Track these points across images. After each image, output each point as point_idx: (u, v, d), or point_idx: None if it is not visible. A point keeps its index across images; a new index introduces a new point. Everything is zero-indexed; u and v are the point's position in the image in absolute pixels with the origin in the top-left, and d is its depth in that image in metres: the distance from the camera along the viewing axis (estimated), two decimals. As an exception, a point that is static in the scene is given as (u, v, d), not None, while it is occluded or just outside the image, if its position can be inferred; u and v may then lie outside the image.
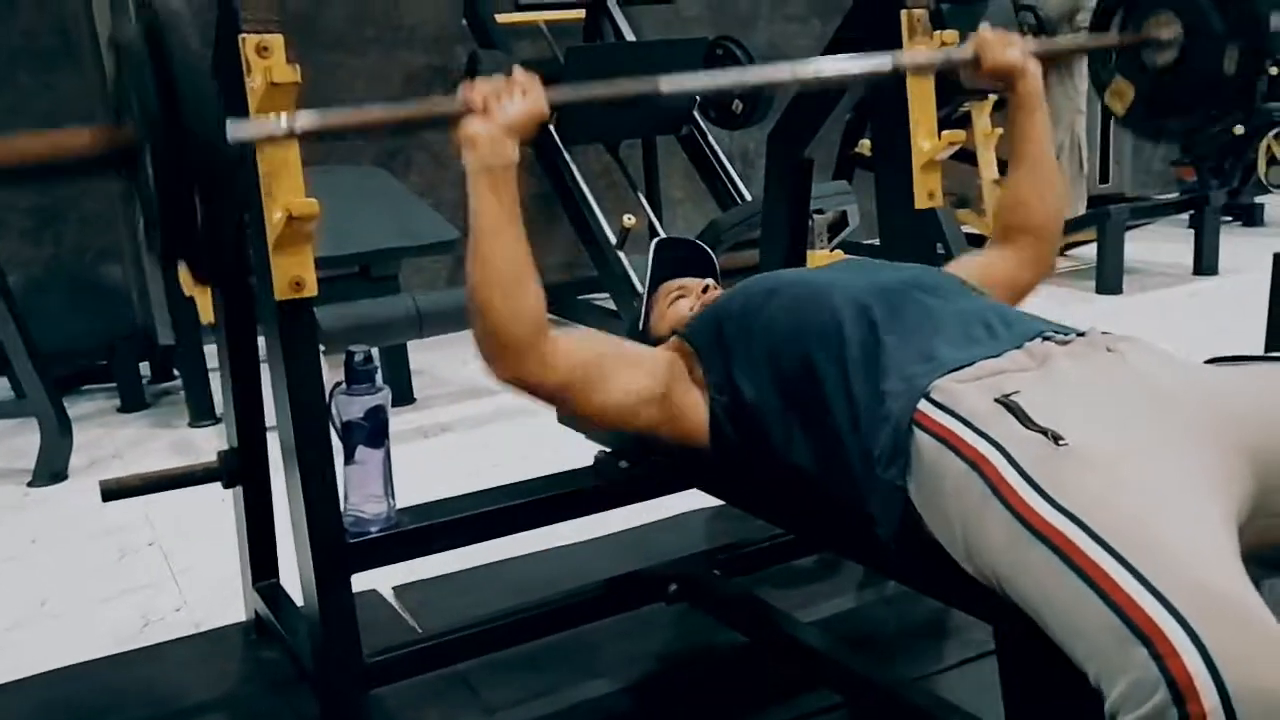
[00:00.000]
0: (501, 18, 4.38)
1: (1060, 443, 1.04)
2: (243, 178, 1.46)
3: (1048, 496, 1.01)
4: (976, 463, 1.08)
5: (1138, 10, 1.73)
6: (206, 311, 3.01)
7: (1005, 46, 1.62)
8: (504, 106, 1.34)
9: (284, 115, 1.27)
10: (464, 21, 4.44)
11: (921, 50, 1.74)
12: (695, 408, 1.49)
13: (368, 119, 1.32)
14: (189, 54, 1.01)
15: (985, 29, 1.65)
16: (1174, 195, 5.61)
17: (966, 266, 1.67)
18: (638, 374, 1.48)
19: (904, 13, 1.91)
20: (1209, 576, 0.91)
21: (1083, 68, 5.13)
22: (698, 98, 4.33)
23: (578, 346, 1.45)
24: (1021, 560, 1.01)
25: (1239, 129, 5.30)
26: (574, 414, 1.52)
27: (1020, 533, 1.01)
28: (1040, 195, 1.67)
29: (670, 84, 1.45)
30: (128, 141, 1.04)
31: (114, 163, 1.06)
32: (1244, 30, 1.63)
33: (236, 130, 1.18)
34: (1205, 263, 4.86)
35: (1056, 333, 1.28)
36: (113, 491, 1.85)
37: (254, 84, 1.46)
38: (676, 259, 1.83)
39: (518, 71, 1.38)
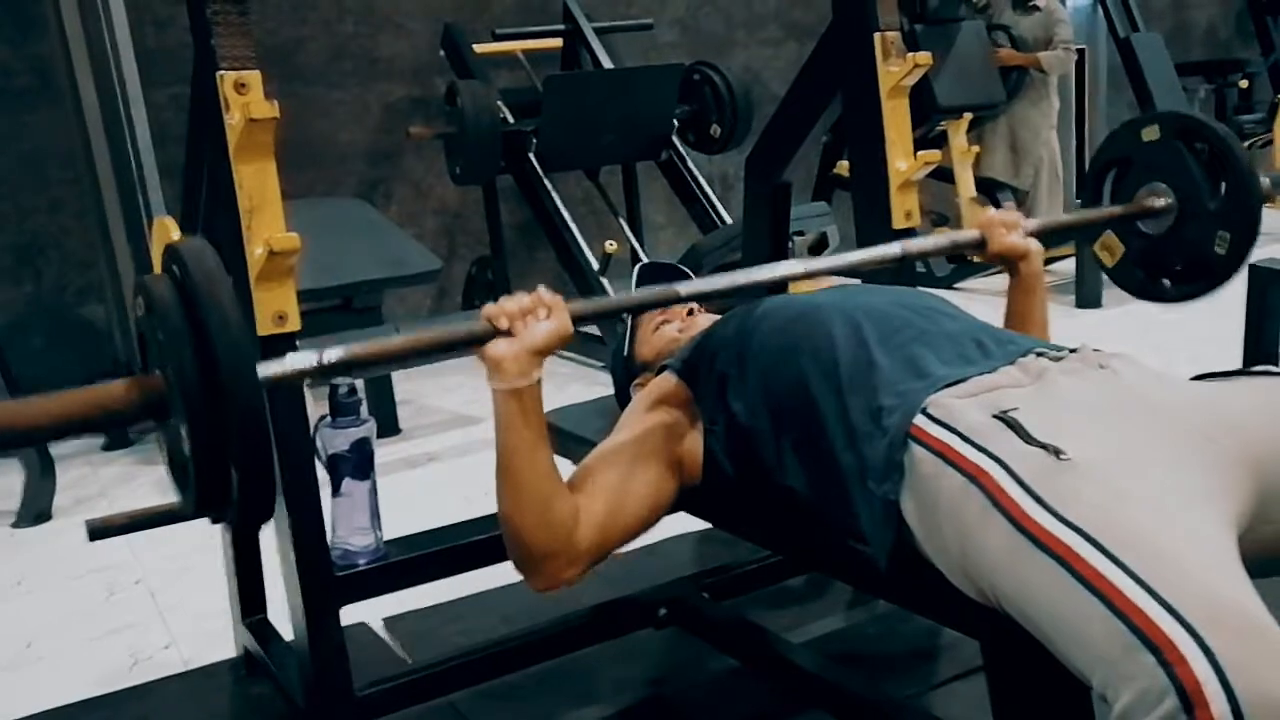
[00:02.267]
0: (479, 48, 4.41)
1: (1062, 457, 1.04)
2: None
3: (1050, 508, 1.01)
4: (976, 476, 1.09)
5: (1130, 176, 1.75)
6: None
7: (1009, 230, 1.64)
8: (530, 328, 1.30)
9: (313, 352, 1.24)
10: (441, 52, 4.47)
11: (930, 238, 1.76)
12: (691, 452, 1.48)
13: (394, 348, 1.30)
14: (224, 315, 1.00)
15: (992, 213, 1.68)
16: (1151, 208, 5.66)
17: None
18: (650, 476, 1.45)
19: (877, 35, 1.94)
20: (1215, 584, 0.91)
21: (1053, 87, 5.20)
22: (676, 121, 4.37)
23: (589, 503, 1.40)
24: (1023, 571, 1.01)
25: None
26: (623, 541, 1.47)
27: (1022, 544, 1.01)
28: None
29: (689, 289, 1.45)
30: (160, 392, 1.04)
31: (148, 415, 1.06)
32: (1235, 218, 1.65)
33: (267, 370, 1.18)
34: (1183, 274, 4.89)
35: (1049, 350, 1.29)
36: (99, 530, 1.83)
37: (232, 120, 1.46)
38: (660, 283, 1.83)
39: (542, 291, 1.34)
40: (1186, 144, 1.67)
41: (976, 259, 1.71)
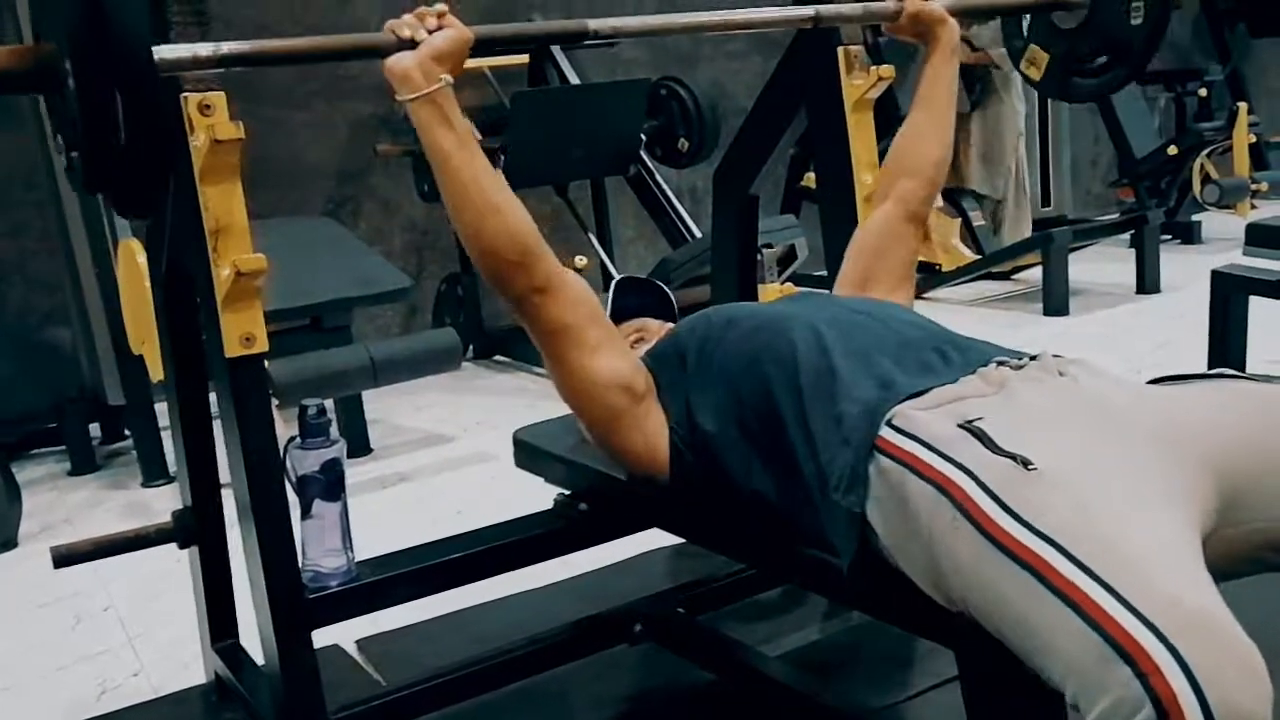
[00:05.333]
0: (445, 65, 4.40)
1: (1030, 467, 1.05)
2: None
3: (1019, 518, 1.01)
4: (944, 486, 1.09)
5: None
6: (156, 369, 2.97)
7: None
8: (431, 37, 1.35)
9: (212, 42, 1.29)
10: (408, 70, 4.46)
11: (845, 5, 1.78)
12: (657, 429, 1.49)
13: (295, 47, 1.32)
14: None
15: None
16: (1114, 216, 5.73)
17: (862, 242, 1.77)
18: (627, 361, 1.50)
19: (841, 49, 1.95)
20: (1186, 594, 0.92)
21: (1016, 92, 5.25)
22: (644, 136, 4.38)
23: (585, 294, 1.47)
24: (994, 582, 1.02)
25: (1173, 149, 5.44)
26: (554, 364, 1.49)
27: (992, 554, 1.02)
28: (939, 135, 1.79)
29: (599, 24, 1.55)
30: (50, 58, 1.02)
31: (35, 81, 1.04)
32: None
33: (163, 54, 1.18)
34: (1148, 281, 4.95)
35: (1010, 358, 1.30)
36: (65, 557, 1.82)
37: (197, 142, 1.45)
38: (636, 299, 1.84)
39: (438, 4, 1.40)
40: None
41: (889, 30, 1.74)
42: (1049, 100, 5.60)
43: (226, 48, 1.28)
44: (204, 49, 1.28)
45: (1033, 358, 1.29)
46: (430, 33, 1.37)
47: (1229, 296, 2.47)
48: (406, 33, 1.35)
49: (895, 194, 1.77)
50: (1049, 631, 0.96)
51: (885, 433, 1.19)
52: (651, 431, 1.49)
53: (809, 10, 1.66)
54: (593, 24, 1.51)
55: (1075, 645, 0.92)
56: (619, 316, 1.81)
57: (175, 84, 1.46)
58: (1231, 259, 2.62)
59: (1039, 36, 1.79)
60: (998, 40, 5.07)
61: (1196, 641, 0.87)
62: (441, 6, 1.39)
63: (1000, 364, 1.27)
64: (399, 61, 1.35)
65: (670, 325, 1.76)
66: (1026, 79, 1.88)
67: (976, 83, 5.13)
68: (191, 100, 1.44)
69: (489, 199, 1.38)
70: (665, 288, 1.90)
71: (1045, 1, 1.77)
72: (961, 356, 1.32)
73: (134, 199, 1.12)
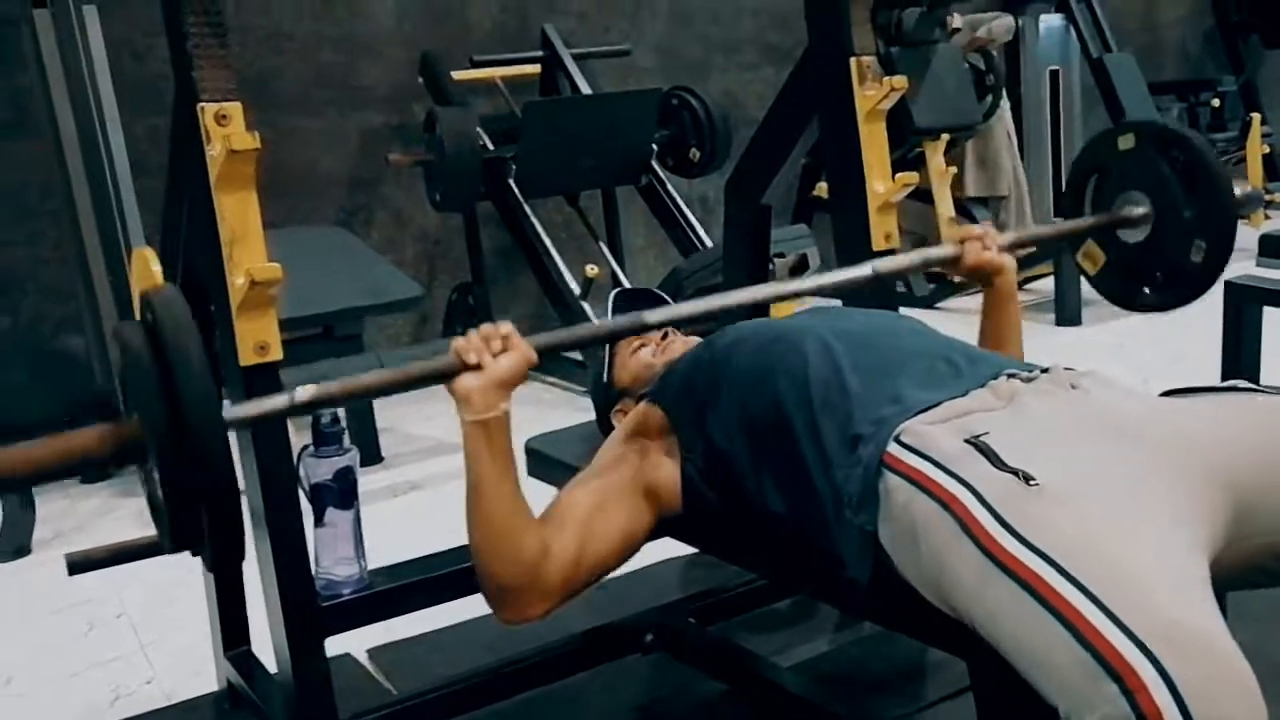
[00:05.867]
0: (458, 75, 4.42)
1: (1031, 483, 1.05)
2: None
3: (1017, 534, 1.02)
4: (947, 503, 1.09)
5: (1108, 184, 1.76)
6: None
7: (983, 245, 1.65)
8: (495, 361, 1.33)
9: (285, 395, 1.25)
10: (420, 80, 4.47)
11: (902, 256, 1.76)
12: (669, 475, 1.48)
13: (367, 385, 1.32)
14: (191, 360, 1.05)
15: (969, 227, 1.69)
16: (1127, 226, 5.70)
17: None
18: (623, 508, 1.46)
19: (853, 60, 1.95)
20: (1178, 612, 0.92)
21: (1007, 117, 5.26)
22: (655, 146, 4.39)
23: (569, 543, 1.41)
24: (992, 597, 1.02)
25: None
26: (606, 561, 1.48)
27: (991, 570, 1.02)
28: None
29: (658, 316, 1.46)
30: (134, 438, 1.08)
31: (122, 460, 1.11)
32: (1210, 226, 1.66)
33: (234, 413, 1.20)
34: (1160, 292, 4.92)
35: (1021, 370, 1.30)
36: (78, 564, 1.81)
37: (214, 152, 1.46)
38: (635, 309, 1.84)
39: (503, 324, 1.37)
40: (1161, 152, 1.68)
41: (951, 276, 1.72)
42: (1060, 113, 5.59)
43: (302, 394, 1.23)
44: (279, 401, 1.24)
45: (1044, 370, 1.29)
46: (495, 355, 1.34)
47: (1243, 307, 2.47)
48: (473, 359, 1.33)
49: None
50: (1043, 648, 0.96)
51: (893, 449, 1.19)
52: (665, 480, 1.48)
53: (867, 269, 1.60)
54: (649, 317, 1.46)
55: (1066, 661, 0.93)
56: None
57: (192, 95, 1.47)
58: (1245, 270, 2.61)
59: (1099, 235, 1.79)
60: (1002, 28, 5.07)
61: (1186, 660, 0.88)
62: (507, 327, 1.36)
63: (1011, 376, 1.27)
64: (463, 385, 1.33)
65: (669, 329, 1.76)
66: (1080, 270, 1.86)
67: (989, 91, 5.12)
68: (208, 110, 1.46)
69: (509, 530, 1.36)
70: (663, 295, 1.90)
71: (1108, 223, 1.75)
72: (972, 369, 1.32)
73: (223, 564, 1.22)
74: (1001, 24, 5.05)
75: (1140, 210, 1.71)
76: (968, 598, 1.06)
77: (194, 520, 1.08)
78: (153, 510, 1.15)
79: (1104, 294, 1.84)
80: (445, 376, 1.33)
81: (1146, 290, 1.77)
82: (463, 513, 1.36)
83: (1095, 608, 0.93)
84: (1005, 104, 5.29)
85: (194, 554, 1.16)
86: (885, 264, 1.64)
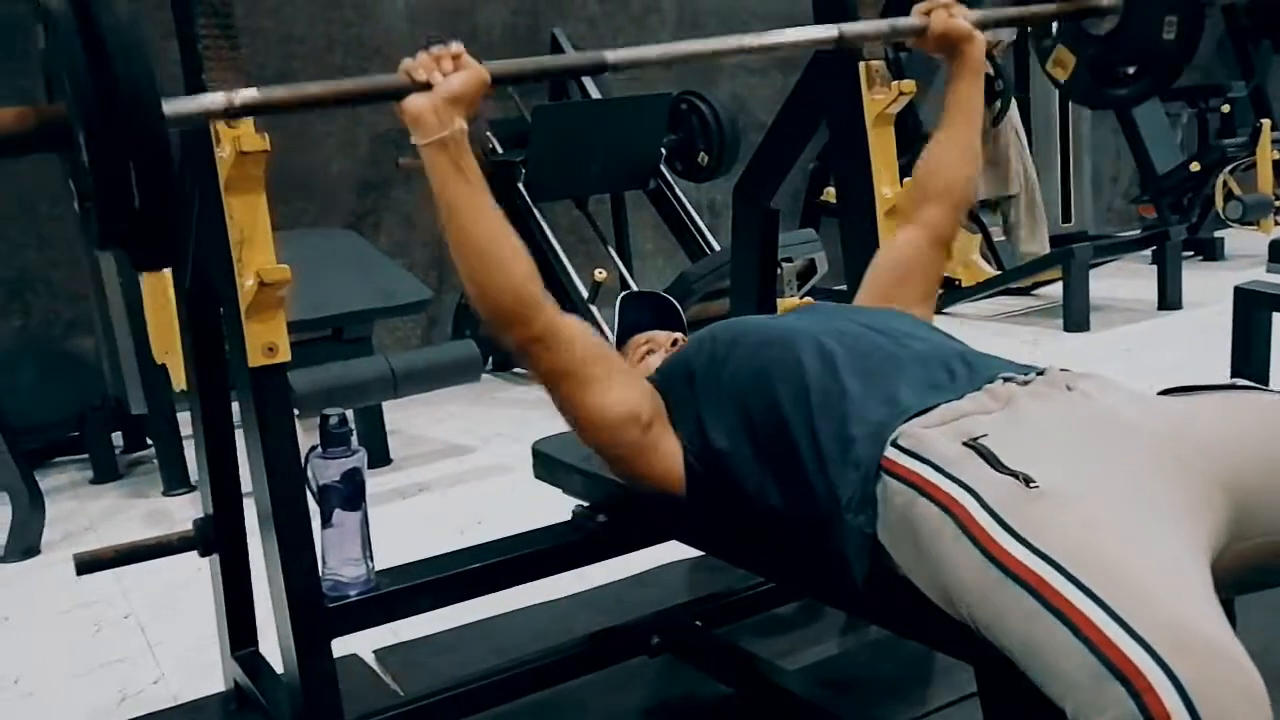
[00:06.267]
0: (467, 78, 4.42)
1: (1031, 485, 1.05)
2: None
3: (1019, 537, 1.01)
4: (948, 506, 1.09)
5: None
6: (179, 379, 3.00)
7: (949, 14, 1.68)
8: (447, 80, 1.35)
9: (223, 93, 1.25)
10: (430, 83, 4.49)
11: (869, 22, 1.76)
12: (671, 450, 1.49)
13: (309, 94, 1.31)
14: (120, 23, 0.97)
15: None
16: (1136, 232, 5.70)
17: (885, 264, 1.75)
18: (633, 390, 1.49)
19: (862, 64, 1.96)
20: (1183, 612, 0.92)
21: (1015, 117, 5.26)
22: (664, 150, 4.39)
23: (583, 335, 1.45)
24: (996, 601, 1.02)
25: (1195, 165, 5.42)
26: (563, 407, 1.49)
27: (993, 573, 1.02)
28: (967, 155, 1.77)
29: (616, 56, 1.51)
30: (60, 119, 1.02)
31: (48, 142, 1.03)
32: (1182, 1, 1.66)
33: (174, 108, 1.17)
34: (1169, 297, 4.92)
35: (1017, 373, 1.29)
36: (87, 565, 1.84)
37: (223, 154, 1.47)
38: (644, 313, 1.85)
39: (454, 44, 1.39)
40: None
41: (914, 45, 1.72)
42: (1069, 118, 5.59)
43: (240, 98, 1.24)
44: (217, 100, 1.24)
45: (1040, 373, 1.29)
46: (446, 75, 1.36)
47: (1252, 313, 2.45)
48: (421, 75, 1.34)
49: (921, 216, 1.73)
50: (1048, 650, 0.96)
51: (891, 453, 1.19)
52: (665, 453, 1.49)
53: (833, 30, 1.64)
54: (610, 56, 1.49)
55: (1072, 664, 0.92)
56: (627, 331, 1.81)
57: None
58: (1254, 276, 2.61)
59: (1068, 38, 1.76)
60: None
61: (1192, 661, 0.87)
62: (457, 47, 1.38)
63: (1007, 380, 1.26)
64: (413, 104, 1.34)
65: (679, 335, 1.76)
66: (1052, 80, 1.84)
67: (997, 96, 5.12)
68: (218, 112, 1.46)
69: (492, 248, 1.38)
70: (671, 298, 1.90)
71: (1076, 9, 1.73)
72: (968, 372, 1.31)
73: (147, 257, 1.14)
74: (1009, 29, 5.05)
75: (1109, 1, 1.71)
76: (971, 601, 1.05)
77: (122, 212, 1.00)
78: (82, 210, 1.07)
79: (1076, 98, 1.85)
80: (395, 94, 1.33)
81: (1119, 83, 1.76)
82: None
83: (1100, 610, 0.92)
84: (1025, 138, 5.29)
85: (120, 247, 1.09)
86: (852, 28, 1.67)
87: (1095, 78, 1.76)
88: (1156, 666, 0.87)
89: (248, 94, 1.24)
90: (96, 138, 0.97)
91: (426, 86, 1.34)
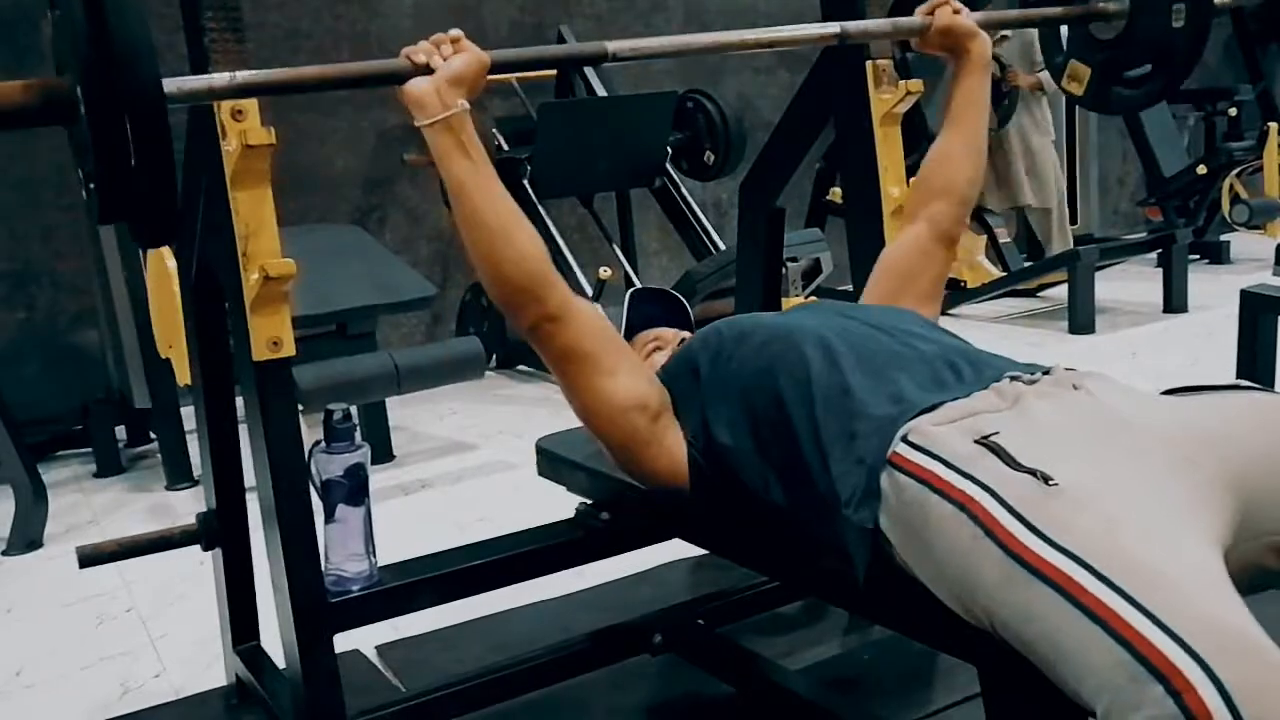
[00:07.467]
0: (474, 75, 4.43)
1: (1050, 483, 1.04)
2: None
3: (1044, 536, 1.00)
4: (964, 504, 1.08)
5: None
6: (183, 373, 3.00)
7: (953, 10, 1.68)
8: (448, 62, 1.36)
9: (224, 73, 1.27)
10: (436, 80, 4.48)
11: (872, 21, 1.76)
12: (676, 444, 1.49)
13: (310, 76, 1.32)
14: (125, 4, 0.99)
15: None
16: (1142, 235, 5.69)
17: (890, 263, 1.75)
18: (640, 378, 1.49)
19: (869, 63, 1.95)
20: (1216, 610, 0.91)
21: (1045, 101, 5.25)
22: (669, 149, 4.39)
23: (596, 318, 1.45)
24: (1020, 600, 1.01)
25: (1202, 169, 5.41)
26: (570, 390, 1.49)
27: (1018, 573, 1.01)
28: (972, 154, 1.76)
29: (617, 46, 1.52)
30: (63, 91, 1.03)
31: (51, 116, 1.05)
32: None
33: (176, 85, 1.18)
34: (1175, 300, 4.92)
35: (1023, 372, 1.29)
36: (89, 558, 1.84)
37: (229, 147, 1.47)
38: (652, 309, 1.84)
39: (453, 30, 1.40)
40: None
41: (918, 46, 1.72)
42: (1076, 120, 5.58)
43: (241, 78, 1.26)
44: (219, 80, 1.26)
45: (1045, 371, 1.28)
46: (446, 58, 1.37)
47: (1258, 317, 2.45)
48: (422, 58, 1.35)
49: (927, 214, 1.73)
50: (1079, 650, 0.94)
51: (901, 449, 1.18)
52: (670, 446, 1.49)
53: (835, 27, 1.64)
54: (611, 46, 1.49)
55: (1106, 663, 0.91)
56: (635, 327, 1.81)
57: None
58: (1261, 279, 2.61)
59: (1077, 50, 1.76)
60: (1026, 56, 5.06)
61: (1231, 659, 0.86)
62: (457, 32, 1.39)
63: (1013, 378, 1.26)
64: (415, 87, 1.35)
65: (686, 334, 1.76)
66: (1069, 95, 1.84)
67: (1004, 98, 5.12)
68: (224, 106, 1.46)
69: (503, 226, 1.38)
70: (679, 296, 1.90)
71: (1080, 13, 1.74)
72: (974, 370, 1.31)
73: (147, 230, 1.14)
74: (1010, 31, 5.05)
75: (1115, 6, 1.72)
76: (990, 600, 1.04)
77: (123, 186, 1.01)
78: (85, 185, 1.09)
79: (1094, 108, 1.84)
80: (395, 78, 1.34)
81: (1134, 84, 1.76)
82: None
83: (1132, 608, 0.91)
84: (1048, 112, 5.29)
85: (122, 219, 1.10)
86: (854, 25, 1.67)
87: (1107, 82, 1.76)
88: (1196, 665, 0.86)
89: (249, 75, 1.25)
90: (95, 104, 0.98)
91: (427, 70, 1.35)
